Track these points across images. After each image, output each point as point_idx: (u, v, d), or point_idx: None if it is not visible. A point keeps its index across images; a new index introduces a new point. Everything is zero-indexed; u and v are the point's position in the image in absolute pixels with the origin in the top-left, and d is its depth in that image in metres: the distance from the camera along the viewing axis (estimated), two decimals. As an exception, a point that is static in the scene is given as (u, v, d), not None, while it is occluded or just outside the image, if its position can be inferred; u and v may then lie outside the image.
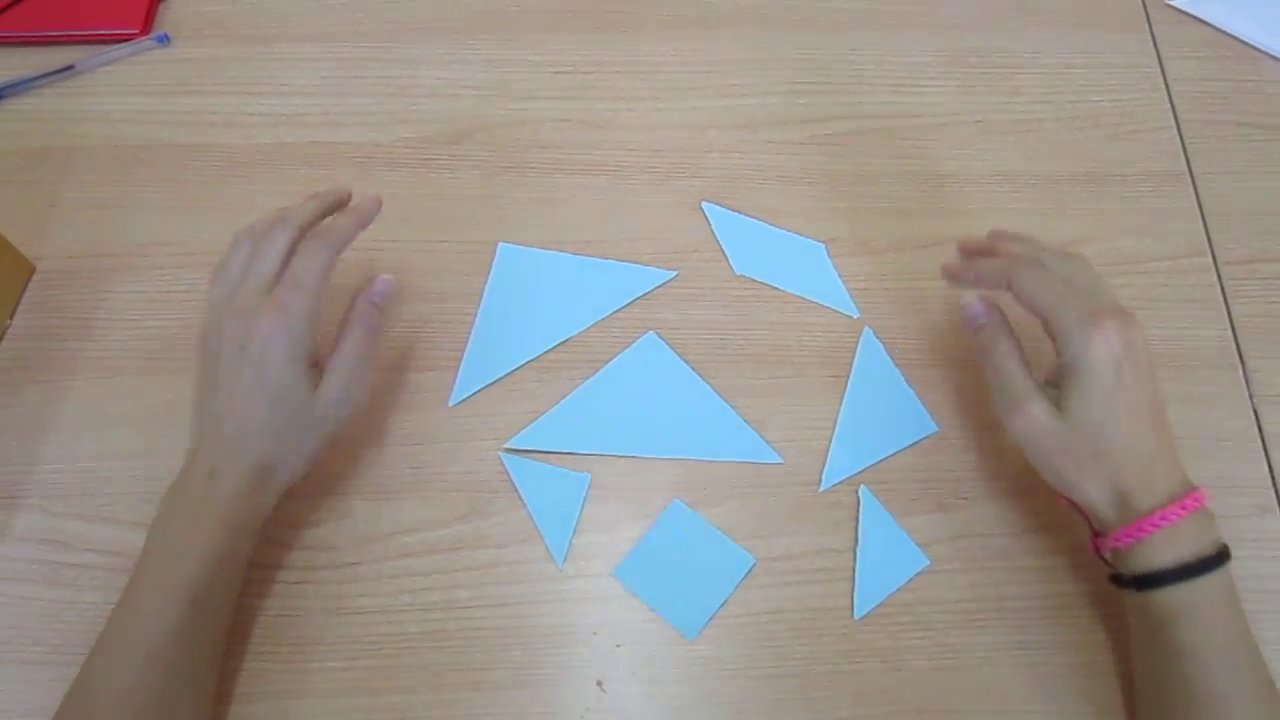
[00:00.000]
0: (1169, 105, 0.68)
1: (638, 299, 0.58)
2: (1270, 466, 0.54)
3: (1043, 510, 0.52)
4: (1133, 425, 0.44)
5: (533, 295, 0.58)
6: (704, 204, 0.62)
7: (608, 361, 0.56)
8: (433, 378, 0.56)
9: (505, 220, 0.61)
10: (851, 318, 0.58)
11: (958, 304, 0.51)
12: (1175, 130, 0.66)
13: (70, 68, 0.66)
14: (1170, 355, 0.57)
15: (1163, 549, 0.43)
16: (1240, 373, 0.57)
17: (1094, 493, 0.44)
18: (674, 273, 0.59)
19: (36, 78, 0.66)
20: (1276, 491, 0.53)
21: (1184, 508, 0.42)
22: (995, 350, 0.48)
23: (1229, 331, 0.58)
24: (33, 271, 0.59)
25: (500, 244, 0.60)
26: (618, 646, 0.49)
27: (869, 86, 0.68)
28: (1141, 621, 0.45)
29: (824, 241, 0.61)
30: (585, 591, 0.50)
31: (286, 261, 0.47)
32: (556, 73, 0.68)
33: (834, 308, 0.59)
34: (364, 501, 0.52)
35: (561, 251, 0.60)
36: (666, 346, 0.57)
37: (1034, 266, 0.47)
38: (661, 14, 0.71)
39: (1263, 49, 0.70)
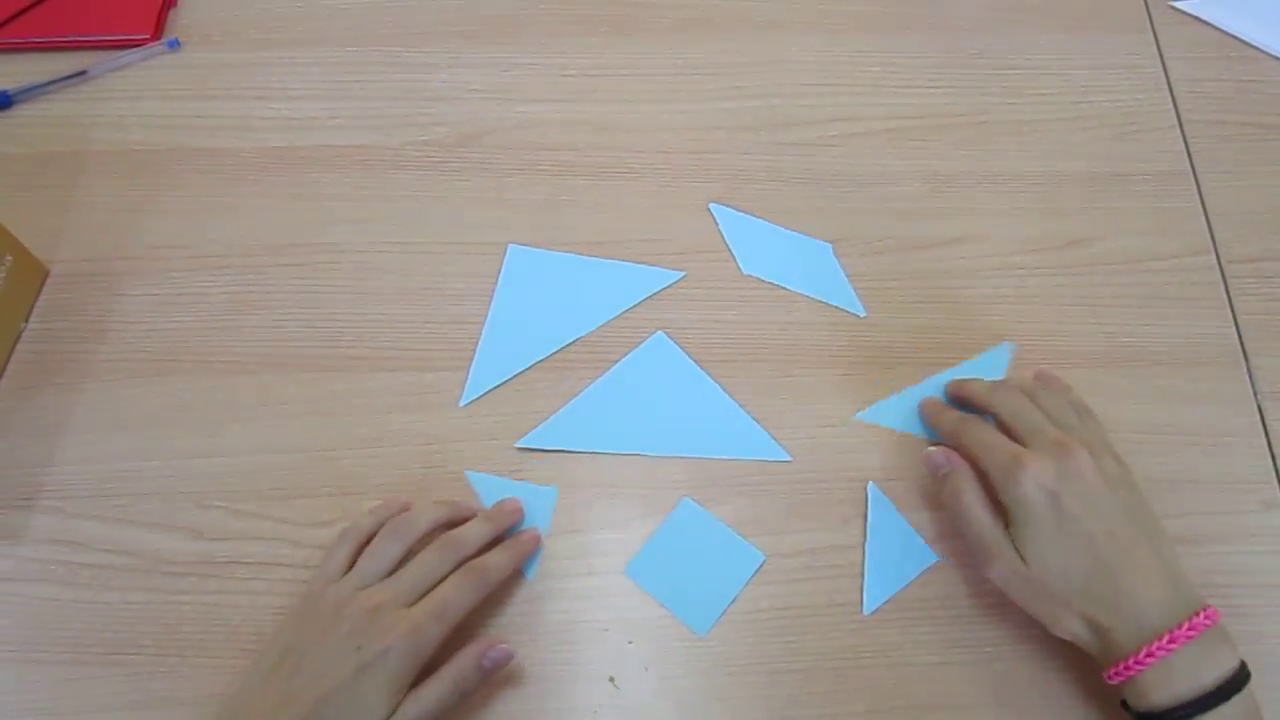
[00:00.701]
0: (1172, 105, 0.68)
1: (646, 299, 0.59)
2: (1275, 463, 0.55)
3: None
4: (1091, 563, 0.42)
5: (542, 296, 0.59)
6: (711, 205, 0.63)
7: (617, 361, 0.57)
8: (443, 378, 0.56)
9: (513, 222, 0.62)
10: (859, 316, 0.59)
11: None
12: (1178, 130, 0.67)
13: (83, 73, 0.67)
14: (1174, 354, 0.58)
15: (1157, 687, 0.40)
16: (1244, 370, 0.58)
17: (1076, 631, 0.43)
18: (682, 273, 0.59)
19: (49, 83, 0.66)
20: (1281, 487, 0.54)
21: (1174, 640, 0.40)
22: (961, 499, 0.47)
23: (1233, 329, 0.59)
24: (47, 275, 0.60)
25: (510, 245, 0.60)
26: (629, 643, 0.49)
27: (873, 88, 0.68)
28: None
29: (830, 241, 0.61)
30: (597, 589, 0.51)
31: (398, 564, 0.46)
32: (564, 75, 0.68)
33: (841, 306, 0.59)
34: (376, 501, 0.52)
35: (570, 253, 0.60)
36: (675, 346, 0.57)
37: (972, 421, 0.49)
38: (667, 17, 0.72)
39: (1265, 49, 0.70)
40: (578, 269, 0.60)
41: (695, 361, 0.57)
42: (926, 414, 0.54)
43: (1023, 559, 0.44)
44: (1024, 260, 0.61)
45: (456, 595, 0.45)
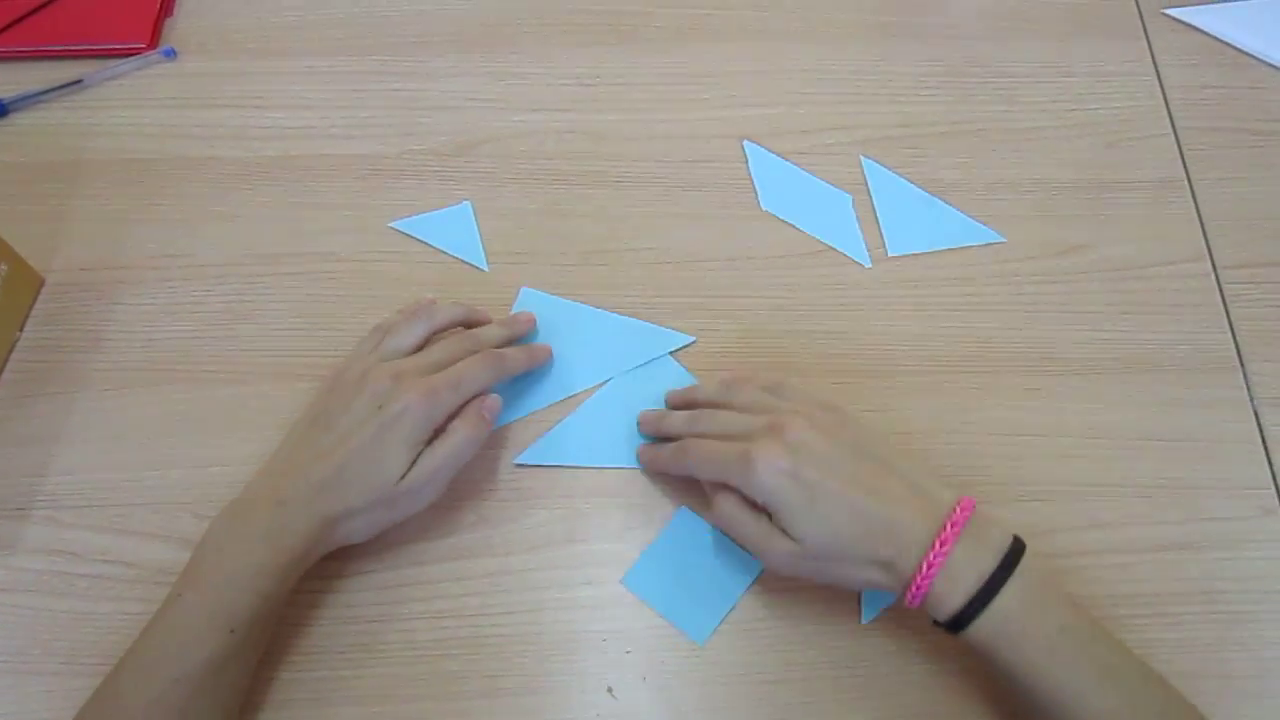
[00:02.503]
0: (1166, 112, 0.68)
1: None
2: (1272, 468, 0.55)
3: (1047, 514, 0.53)
4: (851, 515, 0.43)
5: (551, 343, 0.57)
6: (745, 142, 0.65)
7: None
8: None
9: (510, 232, 0.62)
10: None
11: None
12: (1173, 137, 0.67)
13: (78, 82, 0.67)
14: (1171, 360, 0.58)
15: (949, 592, 0.42)
16: (1241, 376, 0.58)
17: (870, 577, 0.44)
18: (692, 338, 0.58)
19: (45, 91, 0.66)
20: (1279, 493, 0.54)
21: (944, 543, 0.42)
22: (721, 516, 0.47)
23: (1229, 335, 0.59)
24: (42, 284, 0.59)
25: (522, 288, 0.60)
26: (627, 653, 0.49)
27: (869, 97, 0.69)
28: (977, 658, 0.43)
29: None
30: (594, 599, 0.50)
31: (419, 347, 0.51)
32: (561, 84, 0.68)
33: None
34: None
35: (582, 303, 0.59)
36: (671, 359, 0.57)
37: (686, 446, 0.49)
38: (664, 26, 0.72)
39: (1258, 56, 0.71)
40: (588, 321, 0.59)
41: (694, 375, 0.57)
42: (645, 462, 0.53)
43: (794, 540, 0.44)
44: (1019, 268, 0.61)
45: (473, 371, 0.50)
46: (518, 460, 0.54)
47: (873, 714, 0.48)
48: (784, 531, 0.44)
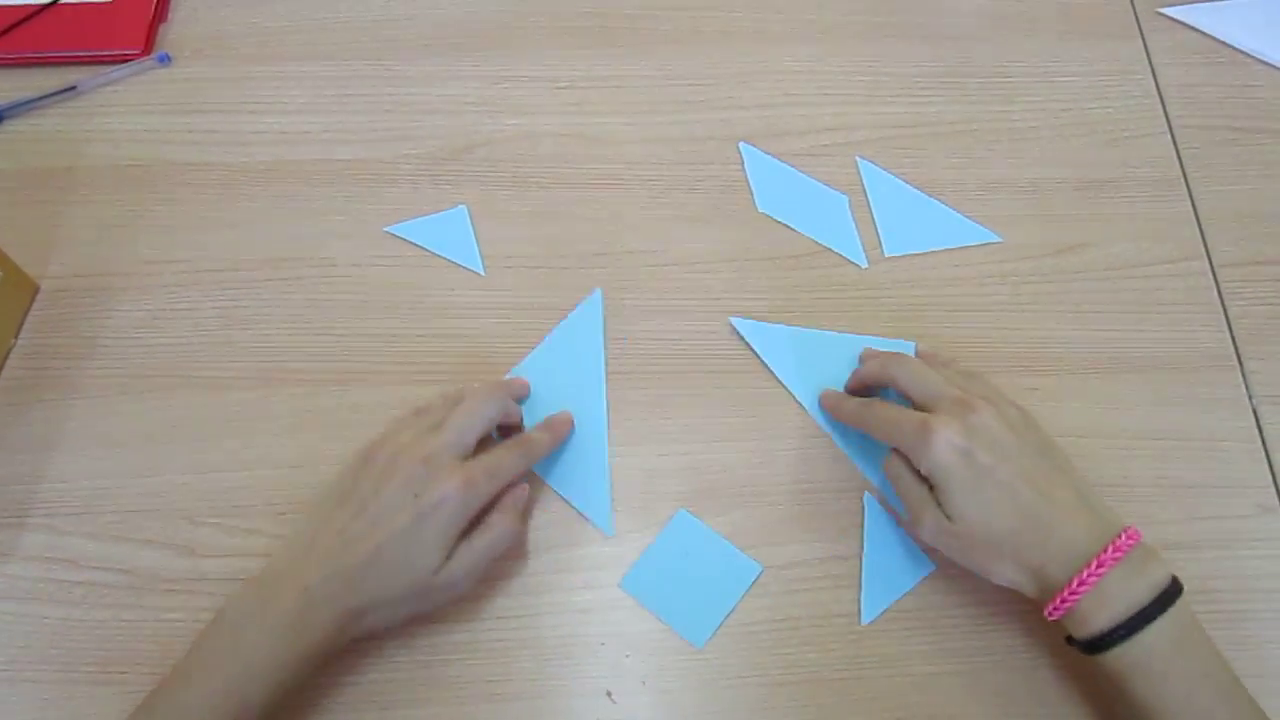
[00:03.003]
0: (1162, 111, 0.68)
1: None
2: (1271, 466, 0.55)
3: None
4: (1013, 508, 0.43)
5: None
6: (741, 144, 0.65)
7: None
8: (437, 393, 0.56)
9: (506, 235, 0.62)
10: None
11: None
12: (1169, 136, 0.67)
13: (73, 88, 0.67)
14: (1169, 358, 0.58)
15: (1095, 612, 0.41)
16: (1239, 374, 0.58)
17: (1012, 576, 0.44)
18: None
19: (39, 98, 0.66)
20: (1278, 491, 0.54)
21: (1102, 564, 0.41)
22: (890, 473, 0.49)
23: (1227, 334, 0.59)
24: (37, 290, 0.59)
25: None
26: (626, 657, 0.49)
27: (865, 98, 0.69)
28: (1105, 679, 0.43)
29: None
30: (593, 602, 0.50)
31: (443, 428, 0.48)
32: (556, 87, 0.68)
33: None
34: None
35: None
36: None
37: (873, 404, 0.51)
38: (660, 28, 0.72)
39: (1253, 55, 0.71)
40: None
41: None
42: (828, 408, 0.55)
43: (949, 517, 0.44)
44: (1016, 267, 0.61)
45: (508, 459, 0.49)
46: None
47: (873, 716, 0.48)
48: (940, 505, 0.45)
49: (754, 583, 0.51)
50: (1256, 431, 0.56)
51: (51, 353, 0.57)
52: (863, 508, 0.53)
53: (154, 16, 0.70)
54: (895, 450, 0.48)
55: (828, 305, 0.60)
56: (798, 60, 0.70)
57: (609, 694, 0.48)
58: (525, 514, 0.51)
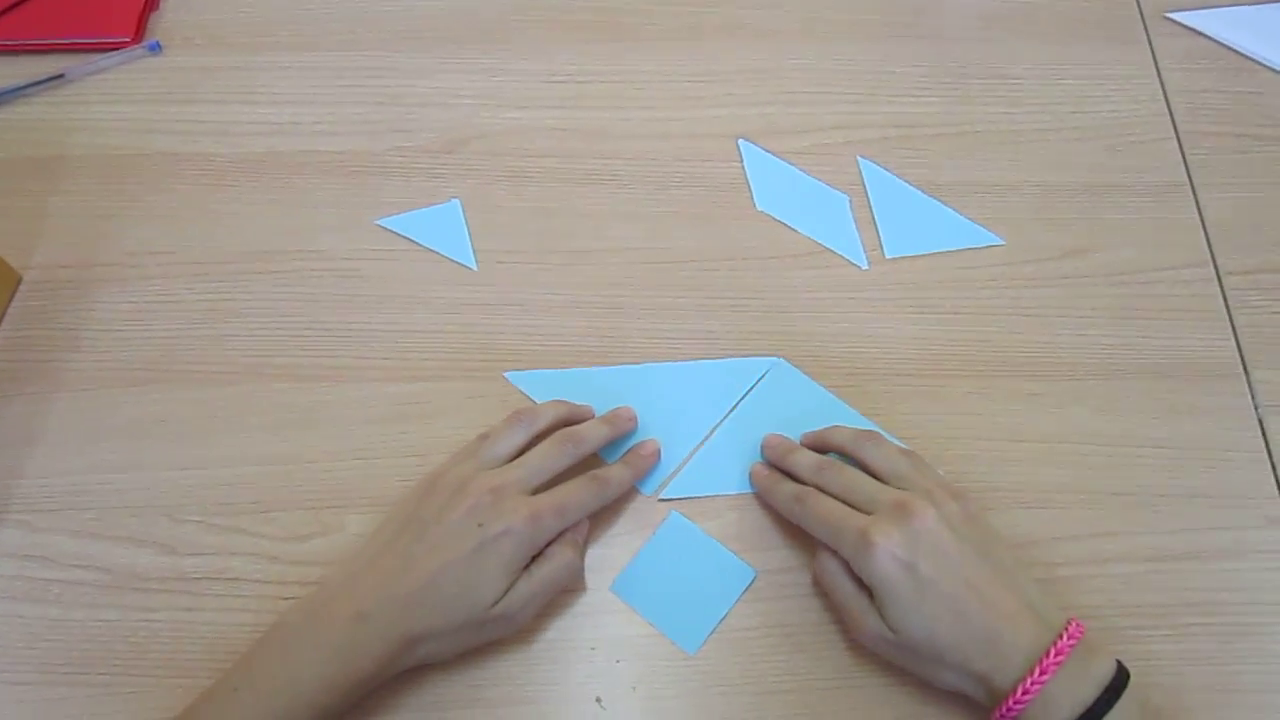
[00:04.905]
0: (1168, 116, 0.67)
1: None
2: (1277, 476, 0.54)
3: (1046, 522, 0.52)
4: (956, 620, 0.42)
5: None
6: (741, 140, 0.64)
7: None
8: (428, 389, 0.55)
9: (499, 230, 0.61)
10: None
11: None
12: (1175, 141, 0.66)
13: (60, 76, 0.65)
14: (1174, 366, 0.57)
15: (1043, 717, 0.41)
16: (1245, 383, 0.57)
17: (957, 684, 0.44)
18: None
19: (26, 86, 0.65)
20: (1284, 502, 0.53)
21: (1045, 671, 0.40)
22: (825, 578, 0.47)
23: (1232, 342, 0.58)
24: (19, 281, 0.58)
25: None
26: (617, 662, 0.48)
27: (868, 97, 0.68)
28: None
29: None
30: (583, 606, 0.49)
31: (520, 453, 0.48)
32: (553, 81, 0.67)
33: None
34: (358, 515, 0.51)
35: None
36: (796, 370, 0.56)
37: (809, 498, 0.48)
38: (658, 24, 0.71)
39: (1261, 61, 0.70)
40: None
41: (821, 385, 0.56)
42: (759, 487, 0.52)
43: (891, 629, 0.43)
44: (1019, 270, 0.60)
45: (578, 496, 0.47)
46: (662, 496, 0.52)
47: (868, 727, 0.47)
48: (881, 615, 0.43)
49: (747, 588, 0.50)
50: (1262, 441, 0.55)
51: (33, 345, 0.56)
52: (860, 513, 0.52)
53: (145, 4, 0.69)
54: (828, 549, 0.47)
55: (827, 306, 0.59)
56: (800, 58, 0.69)
57: (598, 700, 0.47)
58: (583, 549, 0.49)
